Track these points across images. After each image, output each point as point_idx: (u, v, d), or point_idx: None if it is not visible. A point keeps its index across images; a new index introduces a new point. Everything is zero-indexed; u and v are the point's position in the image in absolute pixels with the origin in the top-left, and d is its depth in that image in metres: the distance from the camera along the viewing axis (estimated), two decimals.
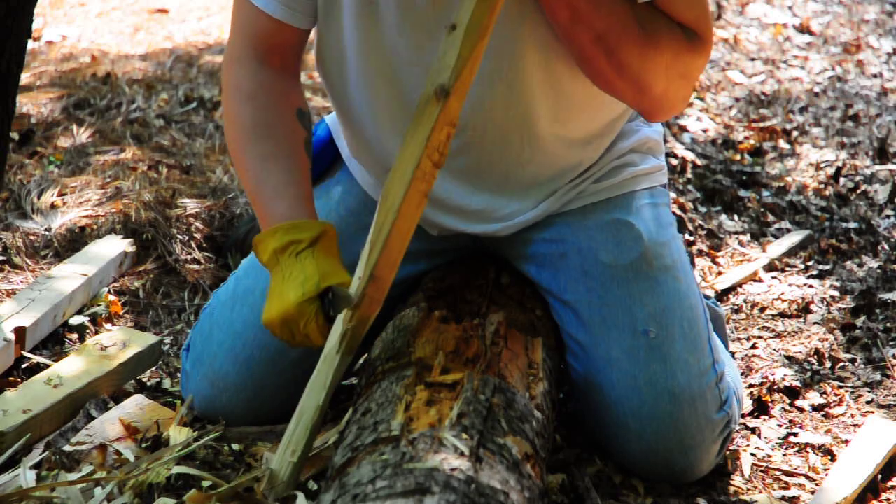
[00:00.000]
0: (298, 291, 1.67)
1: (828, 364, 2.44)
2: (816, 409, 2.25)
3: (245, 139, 1.84)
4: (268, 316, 1.71)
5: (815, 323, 2.64)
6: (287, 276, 1.69)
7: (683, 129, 4.01)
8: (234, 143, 1.86)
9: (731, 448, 2.05)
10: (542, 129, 1.86)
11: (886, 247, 3.13)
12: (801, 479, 2.00)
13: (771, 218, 3.35)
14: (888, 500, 1.96)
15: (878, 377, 2.40)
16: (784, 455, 2.08)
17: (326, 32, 1.85)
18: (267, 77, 1.86)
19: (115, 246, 2.60)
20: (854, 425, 2.19)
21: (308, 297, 1.66)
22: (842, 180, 3.65)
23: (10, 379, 2.10)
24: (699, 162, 3.68)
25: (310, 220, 1.76)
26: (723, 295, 2.79)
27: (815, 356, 2.46)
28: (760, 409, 2.22)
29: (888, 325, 2.62)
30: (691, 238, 3.07)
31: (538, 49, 1.78)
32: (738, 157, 3.85)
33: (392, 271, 1.66)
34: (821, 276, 2.93)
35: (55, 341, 2.29)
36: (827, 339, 2.54)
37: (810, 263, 3.01)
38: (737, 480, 1.98)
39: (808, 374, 2.39)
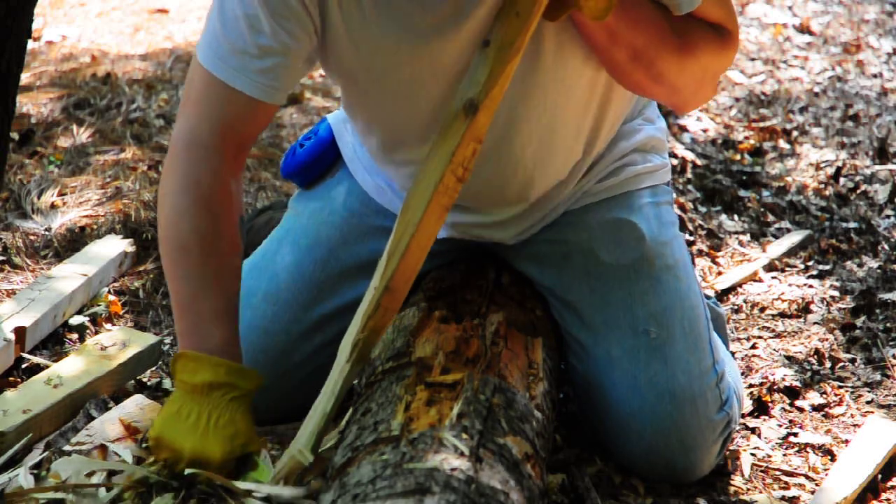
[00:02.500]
0: (227, 446, 1.60)
1: (828, 364, 2.44)
2: (816, 409, 2.25)
3: (192, 247, 1.70)
4: (174, 439, 1.61)
5: (815, 323, 2.64)
6: (215, 418, 1.61)
7: (683, 129, 4.01)
8: (175, 245, 1.72)
9: (731, 448, 2.05)
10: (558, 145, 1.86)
11: (886, 247, 3.12)
12: (801, 479, 2.00)
13: (771, 218, 3.35)
14: (888, 500, 1.96)
15: (878, 377, 2.40)
16: (784, 455, 2.08)
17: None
18: (225, 176, 1.72)
19: (115, 246, 2.60)
20: (854, 425, 2.19)
21: (233, 455, 1.61)
22: (842, 180, 3.65)
23: (10, 379, 2.10)
24: (699, 162, 3.68)
25: (250, 370, 1.68)
26: (723, 295, 2.79)
27: (815, 356, 2.46)
28: (760, 409, 2.22)
29: (888, 325, 2.62)
30: (691, 238, 3.07)
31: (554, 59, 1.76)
32: (738, 157, 3.85)
33: (408, 283, 1.64)
34: (821, 276, 2.93)
35: (55, 341, 2.29)
36: (827, 339, 2.54)
37: (810, 263, 3.01)
38: (737, 480, 1.98)
39: (808, 374, 2.39)
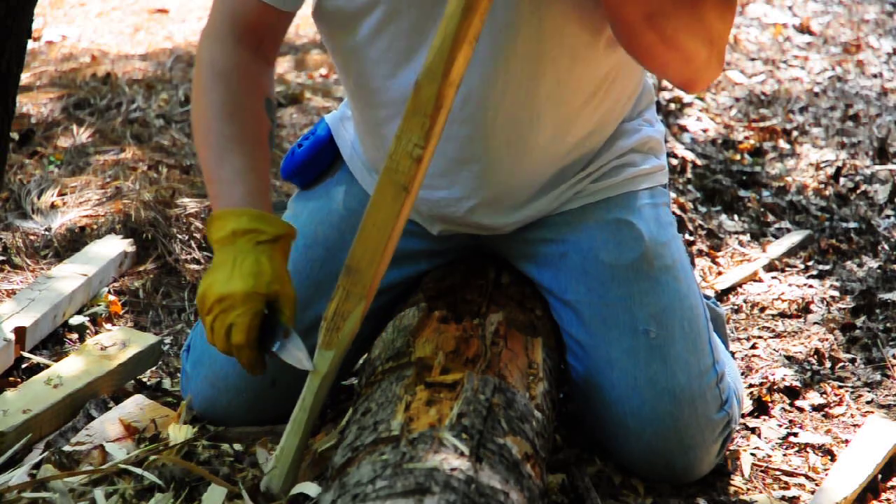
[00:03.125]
0: (249, 282, 1.65)
1: (828, 364, 2.44)
2: (816, 409, 2.25)
3: (212, 117, 1.81)
4: (206, 289, 1.68)
5: (815, 323, 2.64)
6: (241, 261, 1.67)
7: (683, 129, 4.01)
8: (199, 119, 1.83)
9: (731, 448, 2.05)
10: (546, 119, 1.85)
11: (886, 247, 3.13)
12: (801, 479, 2.00)
13: (771, 218, 3.35)
14: (888, 500, 1.96)
15: (878, 377, 2.40)
16: (784, 455, 2.08)
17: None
18: (242, 58, 1.84)
19: (115, 246, 2.60)
20: (854, 425, 2.19)
21: (256, 292, 1.65)
22: (842, 180, 3.65)
23: (10, 379, 2.10)
24: (699, 162, 3.68)
25: (276, 217, 1.75)
26: (723, 295, 2.79)
27: (815, 356, 2.46)
28: (760, 409, 2.22)
29: (888, 325, 2.62)
30: (691, 238, 3.07)
31: (558, 40, 1.75)
32: (738, 157, 3.85)
33: (371, 265, 1.62)
34: (821, 276, 2.93)
35: (55, 341, 2.29)
36: (827, 339, 2.54)
37: (810, 263, 3.01)
38: (737, 480, 1.98)
39: (808, 374, 2.39)
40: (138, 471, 1.68)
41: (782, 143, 4.01)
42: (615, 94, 1.92)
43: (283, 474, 1.61)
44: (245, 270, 1.66)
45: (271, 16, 1.83)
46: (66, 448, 1.80)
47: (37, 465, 1.75)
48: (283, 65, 4.44)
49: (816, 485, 1.98)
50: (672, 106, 4.17)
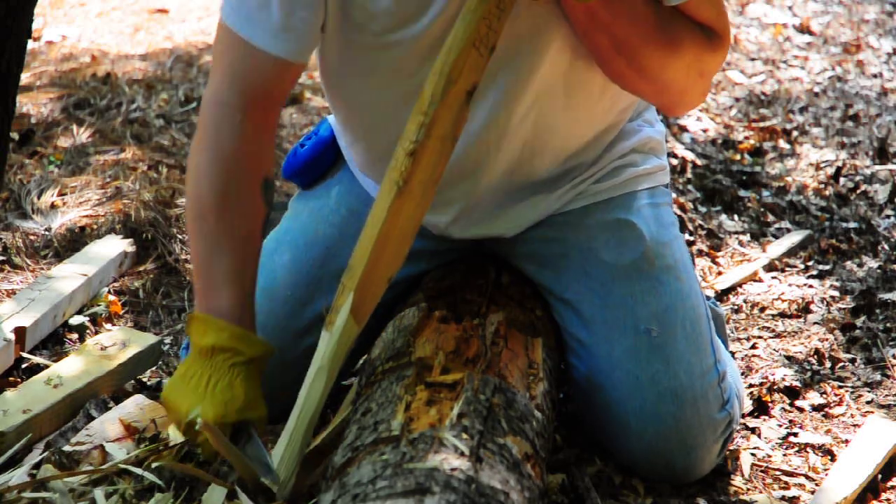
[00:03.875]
0: (220, 410, 1.62)
1: (828, 364, 2.44)
2: (816, 409, 2.25)
3: (207, 206, 1.72)
4: (176, 400, 1.65)
5: (815, 323, 2.64)
6: (214, 382, 1.64)
7: (683, 129, 4.01)
8: (194, 201, 1.74)
9: (731, 448, 2.05)
10: (556, 131, 1.87)
11: (886, 247, 3.12)
12: (801, 479, 2.00)
13: (771, 218, 3.35)
14: (888, 500, 1.96)
15: (878, 377, 2.40)
16: (784, 455, 2.08)
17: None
18: (247, 135, 1.73)
19: (115, 246, 2.60)
20: (854, 425, 2.19)
21: (225, 421, 1.62)
22: (842, 180, 3.65)
23: (10, 379, 2.10)
24: (699, 162, 3.68)
25: (257, 337, 1.70)
26: (723, 295, 2.79)
27: (815, 356, 2.46)
28: (760, 409, 2.22)
29: (888, 325, 2.62)
30: (691, 238, 3.07)
31: (563, 49, 1.77)
32: (738, 157, 3.84)
33: (362, 261, 1.64)
34: (821, 276, 2.93)
35: (55, 341, 2.29)
36: (827, 339, 2.54)
37: (810, 263, 3.01)
38: (737, 480, 1.98)
39: (808, 374, 2.39)
40: (138, 471, 1.68)
41: (782, 143, 4.01)
42: (616, 116, 1.93)
43: (284, 473, 1.61)
44: (217, 397, 1.63)
45: (283, 70, 1.72)
46: (66, 448, 1.80)
47: (37, 465, 1.75)
48: None
49: (816, 485, 1.98)
50: None
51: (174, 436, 1.81)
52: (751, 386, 2.30)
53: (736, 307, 2.73)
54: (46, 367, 2.09)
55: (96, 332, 2.34)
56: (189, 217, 1.76)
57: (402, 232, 1.65)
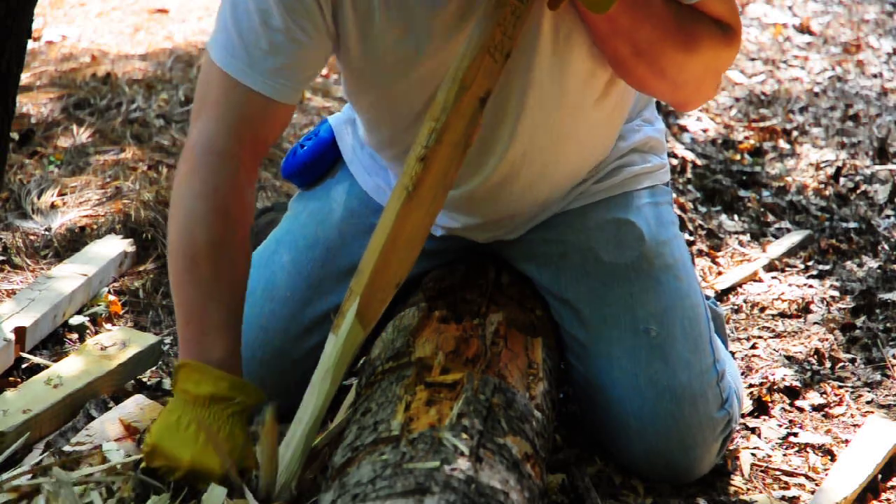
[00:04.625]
0: (225, 460, 1.58)
1: (828, 364, 2.44)
2: (816, 409, 2.25)
3: (203, 253, 1.68)
4: (175, 450, 1.59)
5: (815, 323, 2.64)
6: (215, 432, 1.60)
7: (683, 129, 4.01)
8: (185, 248, 1.69)
9: (731, 448, 2.05)
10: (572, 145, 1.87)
11: (886, 247, 3.12)
12: (801, 479, 2.00)
13: (771, 218, 3.35)
14: (888, 500, 1.96)
15: (878, 377, 2.40)
16: (784, 455, 2.08)
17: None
18: (241, 185, 1.71)
19: (115, 246, 2.60)
20: (854, 425, 2.19)
21: (229, 471, 1.58)
22: (842, 180, 3.65)
23: (10, 379, 2.10)
24: (699, 162, 3.68)
25: (253, 386, 1.67)
26: (723, 295, 2.79)
27: (815, 356, 2.46)
28: (760, 409, 2.22)
29: (888, 325, 2.62)
30: (691, 238, 3.07)
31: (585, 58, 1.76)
32: (738, 157, 3.85)
33: (368, 265, 1.63)
34: (821, 276, 2.93)
35: (55, 341, 2.29)
36: (827, 339, 2.54)
37: (810, 263, 3.01)
38: (737, 480, 1.98)
39: (808, 374, 2.39)
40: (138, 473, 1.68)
41: (782, 143, 4.01)
42: (620, 120, 1.94)
43: (286, 475, 1.61)
44: (221, 447, 1.59)
45: (278, 112, 1.70)
46: (66, 448, 1.80)
47: (36, 465, 1.75)
48: None
49: (816, 485, 1.98)
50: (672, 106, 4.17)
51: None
52: (751, 386, 2.30)
53: (736, 307, 2.73)
54: (46, 367, 2.09)
55: (96, 332, 2.34)
56: (176, 262, 1.70)
57: (410, 237, 1.64)
